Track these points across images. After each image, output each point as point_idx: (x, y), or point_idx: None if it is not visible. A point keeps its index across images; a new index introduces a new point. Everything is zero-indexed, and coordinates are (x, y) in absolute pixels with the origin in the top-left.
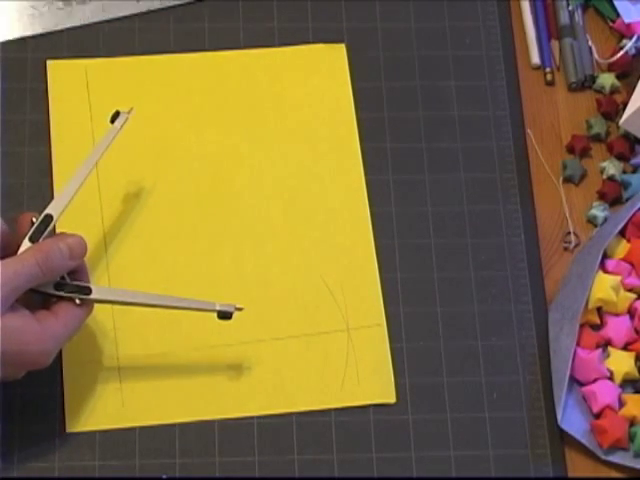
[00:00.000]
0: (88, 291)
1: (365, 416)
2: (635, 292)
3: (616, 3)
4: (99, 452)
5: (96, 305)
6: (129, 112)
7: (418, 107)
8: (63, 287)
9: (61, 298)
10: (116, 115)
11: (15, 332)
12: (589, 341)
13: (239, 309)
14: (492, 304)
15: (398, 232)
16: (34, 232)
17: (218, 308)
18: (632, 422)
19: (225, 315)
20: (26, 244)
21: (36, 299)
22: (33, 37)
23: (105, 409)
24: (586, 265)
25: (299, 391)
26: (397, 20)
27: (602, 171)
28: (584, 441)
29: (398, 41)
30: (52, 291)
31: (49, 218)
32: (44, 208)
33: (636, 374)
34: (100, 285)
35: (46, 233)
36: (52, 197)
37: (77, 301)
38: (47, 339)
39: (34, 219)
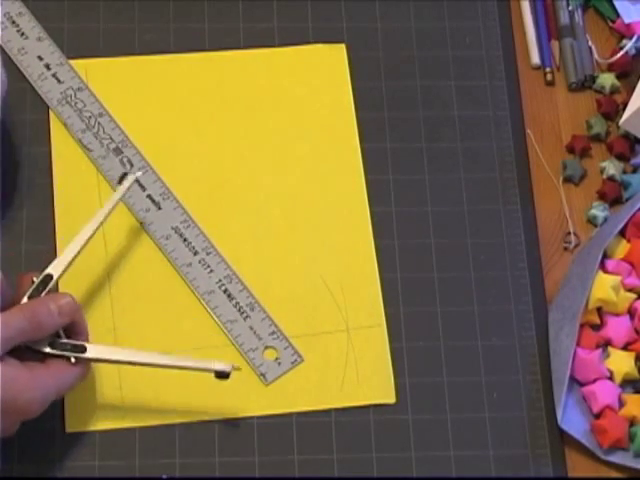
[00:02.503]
0: (82, 349)
1: (365, 416)
2: (635, 292)
3: (616, 3)
4: (99, 452)
5: (95, 304)
6: (137, 173)
7: (418, 107)
8: (57, 345)
9: (56, 356)
10: (123, 176)
11: (7, 381)
12: (589, 341)
13: (237, 369)
14: (492, 304)
15: (398, 232)
16: (33, 291)
17: (216, 367)
18: (632, 422)
19: (222, 375)
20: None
21: (31, 358)
22: None
23: (105, 409)
24: (586, 265)
25: (299, 391)
26: (397, 20)
27: (602, 171)
28: (584, 441)
29: (398, 41)
30: (46, 349)
31: (49, 278)
32: (45, 266)
33: (636, 374)
34: (96, 343)
35: (44, 293)
36: (52, 198)
37: (72, 359)
38: (36, 387)
39: (35, 279)
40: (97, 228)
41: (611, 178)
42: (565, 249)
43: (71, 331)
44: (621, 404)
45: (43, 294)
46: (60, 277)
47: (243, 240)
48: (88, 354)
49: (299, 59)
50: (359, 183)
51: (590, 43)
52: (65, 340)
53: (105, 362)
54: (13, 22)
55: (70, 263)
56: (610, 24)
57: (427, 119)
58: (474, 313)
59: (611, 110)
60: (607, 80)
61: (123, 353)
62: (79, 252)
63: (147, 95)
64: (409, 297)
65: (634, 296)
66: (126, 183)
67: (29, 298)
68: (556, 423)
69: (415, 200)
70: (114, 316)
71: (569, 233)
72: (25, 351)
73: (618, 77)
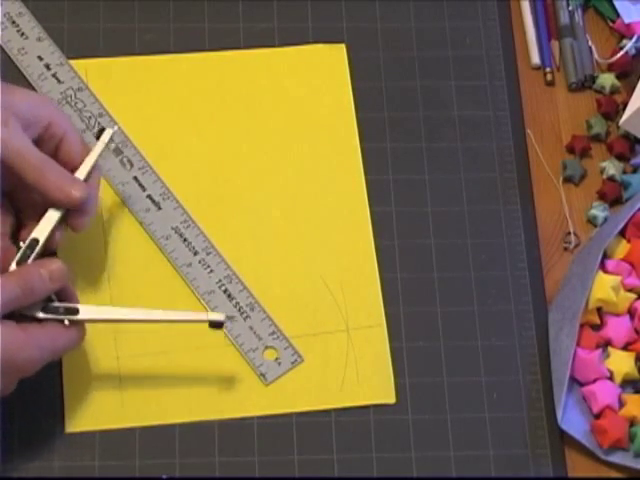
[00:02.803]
0: (75, 311)
1: (365, 416)
2: (635, 292)
3: (616, 3)
4: (99, 452)
5: (95, 304)
6: (114, 128)
7: (418, 107)
8: (50, 309)
9: (50, 320)
10: (101, 130)
11: (4, 340)
12: (589, 341)
13: (230, 317)
14: (492, 304)
15: (398, 232)
16: (21, 257)
17: (209, 318)
18: (632, 422)
19: (216, 325)
20: (13, 269)
21: (25, 322)
22: None
23: (105, 409)
24: (586, 265)
25: (299, 391)
26: (397, 20)
27: (602, 171)
28: (584, 441)
29: (398, 41)
30: (40, 314)
31: (35, 242)
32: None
33: (636, 374)
34: (88, 305)
35: (32, 257)
36: None
37: (66, 322)
38: (33, 345)
39: (22, 243)
40: None
41: (611, 178)
42: (565, 249)
43: (62, 296)
44: (621, 404)
45: (30, 259)
46: (46, 241)
47: (243, 240)
48: (81, 315)
49: (299, 59)
50: (359, 183)
51: (590, 43)
52: (57, 304)
53: (98, 322)
54: (13, 22)
55: (55, 226)
56: (610, 24)
57: (427, 119)
58: (474, 313)
59: (611, 110)
60: (607, 80)
61: (116, 312)
62: (63, 215)
63: (147, 95)
64: (409, 297)
65: (634, 296)
66: (104, 137)
67: (17, 264)
68: (556, 423)
69: (415, 200)
70: None
71: (569, 233)
72: (19, 318)
73: (618, 77)
